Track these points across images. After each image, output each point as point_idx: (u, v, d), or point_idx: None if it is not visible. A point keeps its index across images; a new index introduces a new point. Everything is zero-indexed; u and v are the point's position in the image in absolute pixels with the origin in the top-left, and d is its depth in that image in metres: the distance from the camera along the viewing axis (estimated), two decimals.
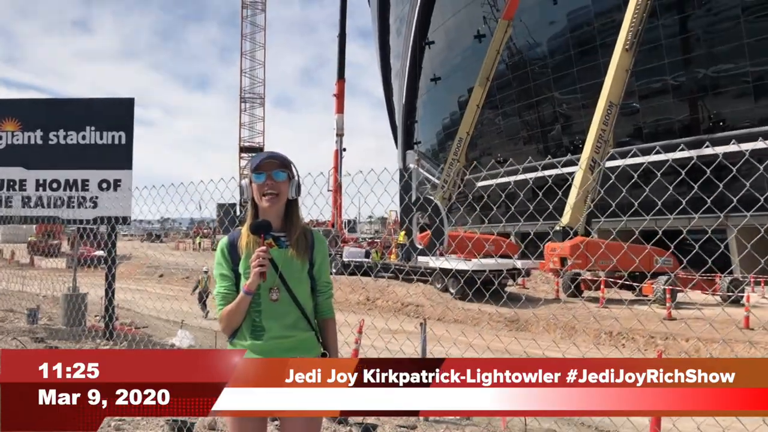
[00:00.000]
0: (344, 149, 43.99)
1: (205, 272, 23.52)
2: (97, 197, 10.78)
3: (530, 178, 28.79)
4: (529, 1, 42.54)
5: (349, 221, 44.90)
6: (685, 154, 25.95)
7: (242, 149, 66.07)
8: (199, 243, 55.29)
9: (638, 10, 26.77)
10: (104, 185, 10.81)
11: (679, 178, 5.54)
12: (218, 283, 3.09)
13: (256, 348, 2.97)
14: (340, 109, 45.43)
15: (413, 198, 32.73)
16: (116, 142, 10.97)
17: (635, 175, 5.15)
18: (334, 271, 31.42)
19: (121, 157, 10.69)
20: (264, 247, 2.92)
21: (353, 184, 5.20)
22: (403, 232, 30.48)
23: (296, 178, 3.10)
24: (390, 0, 70.16)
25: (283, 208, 3.08)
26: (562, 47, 42.97)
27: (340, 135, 44.01)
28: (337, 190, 43.96)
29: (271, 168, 3.02)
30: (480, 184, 41.47)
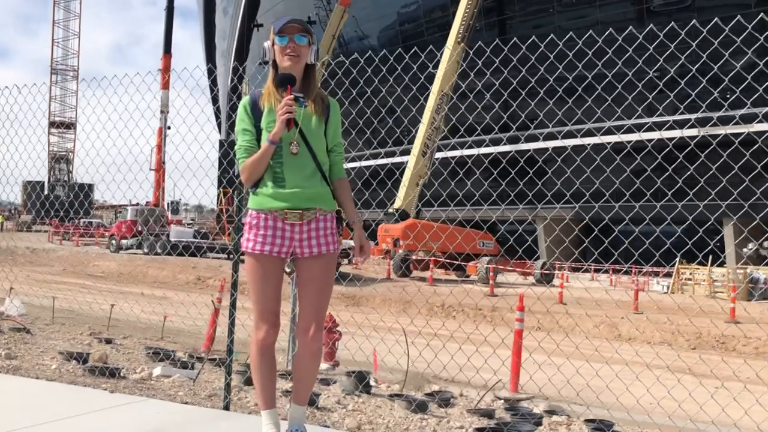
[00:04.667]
0: (169, 127, 42.31)
1: None
2: None
3: (362, 167, 29.52)
4: None
5: (172, 202, 43.33)
6: (507, 148, 27.91)
7: (52, 124, 61.59)
8: (2, 224, 50.83)
9: (470, 5, 28.43)
10: None
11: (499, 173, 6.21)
12: (240, 137, 3.21)
13: (278, 196, 3.13)
14: (166, 85, 43.50)
15: (237, 171, 32.24)
16: None
17: (464, 169, 5.70)
18: (160, 251, 30.41)
19: None
20: (291, 96, 3.05)
21: (180, 164, 5.40)
22: None
23: (316, 44, 3.26)
24: None
25: (302, 71, 3.22)
26: (392, 40, 44.31)
27: (164, 112, 42.27)
28: (160, 169, 42.41)
29: (293, 32, 3.16)
30: None
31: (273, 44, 3.19)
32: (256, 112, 3.19)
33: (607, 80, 5.29)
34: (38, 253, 33.05)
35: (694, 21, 4.80)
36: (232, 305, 4.61)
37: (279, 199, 3.13)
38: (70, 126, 62.20)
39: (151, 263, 27.20)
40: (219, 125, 67.59)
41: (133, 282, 23.40)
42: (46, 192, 56.20)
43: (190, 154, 5.48)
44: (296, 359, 3.32)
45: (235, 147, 3.23)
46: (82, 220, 47.02)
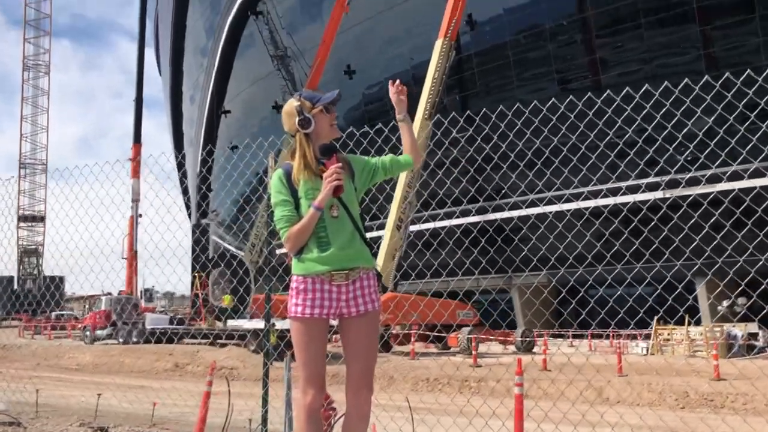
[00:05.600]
0: (140, 215, 42.20)
1: None
2: None
3: None
4: (326, 77, 44.46)
5: (146, 290, 42.86)
6: (476, 218, 28.33)
7: (22, 218, 61.15)
8: None
9: (435, 84, 29.41)
10: None
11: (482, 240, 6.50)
12: (280, 208, 3.37)
13: (324, 259, 3.29)
14: (136, 174, 43.85)
15: (210, 255, 32.20)
16: None
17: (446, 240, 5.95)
18: (136, 340, 29.98)
19: None
20: (340, 164, 3.29)
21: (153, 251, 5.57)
22: (228, 296, 30.01)
23: None
24: (183, 68, 69.72)
25: None
26: (358, 122, 45.22)
27: (136, 201, 42.26)
28: (133, 257, 42.12)
29: (336, 104, 3.49)
30: (280, 251, 41.80)
31: (313, 117, 3.39)
32: (290, 183, 3.37)
33: (566, 148, 5.61)
34: (9, 349, 32.31)
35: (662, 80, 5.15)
36: (266, 375, 4.71)
37: (325, 262, 3.29)
38: (39, 219, 61.86)
39: (127, 352, 26.71)
40: (189, 211, 67.56)
41: (110, 372, 22.95)
42: (15, 287, 55.37)
43: (163, 240, 5.62)
44: (346, 421, 3.46)
45: (275, 218, 3.39)
46: (53, 313, 46.28)
